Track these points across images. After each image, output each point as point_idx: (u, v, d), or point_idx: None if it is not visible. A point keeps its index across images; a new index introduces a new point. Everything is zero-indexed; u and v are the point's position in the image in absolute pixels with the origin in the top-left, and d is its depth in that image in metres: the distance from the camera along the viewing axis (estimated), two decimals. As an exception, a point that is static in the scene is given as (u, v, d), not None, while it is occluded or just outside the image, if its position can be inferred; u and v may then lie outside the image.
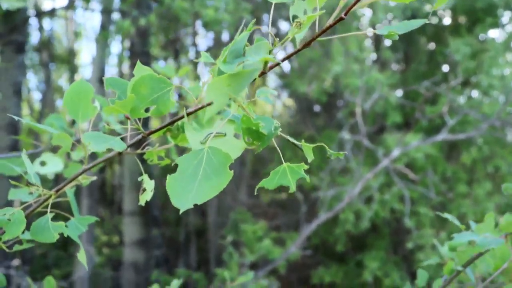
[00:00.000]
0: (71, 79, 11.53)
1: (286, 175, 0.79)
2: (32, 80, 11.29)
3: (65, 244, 9.69)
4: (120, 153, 0.85)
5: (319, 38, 0.79)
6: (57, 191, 0.89)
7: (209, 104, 0.76)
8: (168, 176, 0.69)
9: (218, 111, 0.75)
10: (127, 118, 0.80)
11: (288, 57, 0.79)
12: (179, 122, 0.87)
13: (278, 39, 0.79)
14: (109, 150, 0.85)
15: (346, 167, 7.71)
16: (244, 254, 6.79)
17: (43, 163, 1.06)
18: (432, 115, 7.62)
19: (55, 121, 1.04)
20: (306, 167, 0.80)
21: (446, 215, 1.17)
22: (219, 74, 0.75)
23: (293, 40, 0.80)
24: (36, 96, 12.29)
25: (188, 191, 0.68)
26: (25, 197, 0.94)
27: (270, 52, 0.77)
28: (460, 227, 1.16)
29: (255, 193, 0.77)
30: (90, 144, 0.73)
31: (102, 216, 10.08)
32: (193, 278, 7.88)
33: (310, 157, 0.81)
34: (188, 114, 0.80)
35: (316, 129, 8.66)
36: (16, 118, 0.84)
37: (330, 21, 0.77)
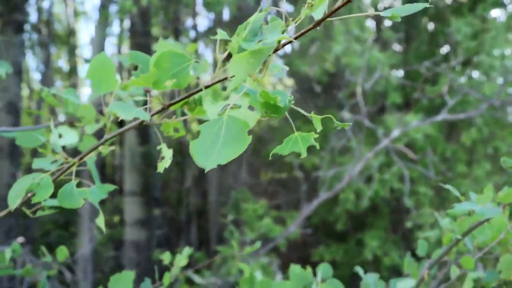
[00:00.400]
0: (71, 60, 11.52)
1: (297, 143, 0.87)
2: (31, 60, 11.28)
3: (67, 224, 9.78)
4: (141, 123, 0.90)
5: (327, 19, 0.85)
6: (80, 159, 0.94)
7: (228, 78, 0.83)
8: (191, 142, 0.75)
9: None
10: (147, 91, 0.85)
11: (300, 35, 0.85)
12: (196, 96, 0.92)
13: (291, 18, 0.85)
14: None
15: (347, 146, 7.75)
16: (244, 232, 6.85)
17: (59, 136, 1.10)
18: (432, 95, 7.65)
19: (70, 95, 1.08)
20: (316, 135, 0.86)
21: (447, 186, 1.22)
22: (239, 51, 0.81)
23: (297, 22, 0.86)
24: (36, 76, 12.28)
25: (210, 154, 0.75)
26: (48, 166, 0.99)
27: (283, 31, 0.84)
28: (460, 198, 1.21)
29: (270, 158, 0.83)
30: (118, 113, 0.78)
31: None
32: (194, 257, 7.97)
33: (319, 127, 0.88)
34: (206, 87, 0.86)
35: (317, 109, 8.69)
36: (46, 88, 0.88)
37: (339, 2, 0.82)
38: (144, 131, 7.95)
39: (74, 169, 0.94)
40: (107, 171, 11.51)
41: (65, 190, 0.92)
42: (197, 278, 6.14)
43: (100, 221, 1.01)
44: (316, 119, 0.88)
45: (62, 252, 1.52)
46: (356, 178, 7.13)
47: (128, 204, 7.98)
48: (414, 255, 1.59)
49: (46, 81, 10.35)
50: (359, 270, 1.56)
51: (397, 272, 7.03)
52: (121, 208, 9.16)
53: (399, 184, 7.19)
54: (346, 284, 1.67)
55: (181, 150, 10.22)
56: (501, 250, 1.25)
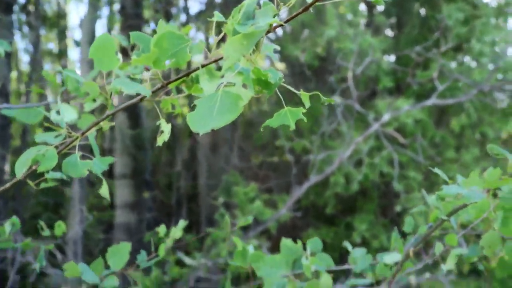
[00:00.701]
0: (61, 42, 11.45)
1: (287, 116, 0.94)
2: (20, 42, 11.19)
3: (56, 207, 9.78)
4: (141, 99, 0.95)
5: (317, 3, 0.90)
6: (83, 133, 0.98)
7: (222, 58, 0.88)
8: (188, 113, 0.81)
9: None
10: (147, 69, 0.90)
11: (290, 19, 0.90)
12: (193, 74, 0.97)
13: (282, 3, 0.90)
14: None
15: (337, 131, 7.81)
16: (235, 215, 6.91)
17: (58, 113, 1.14)
18: (423, 80, 7.70)
19: (70, 74, 1.12)
20: (304, 110, 0.95)
21: (436, 170, 1.27)
22: (234, 33, 0.87)
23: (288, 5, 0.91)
24: (24, 58, 12.19)
25: (205, 122, 0.83)
26: (51, 140, 1.03)
27: (275, 15, 0.89)
28: (448, 181, 1.26)
29: (261, 130, 0.89)
30: (122, 88, 0.83)
31: (92, 179, 10.16)
32: (184, 240, 8.01)
33: (307, 104, 0.95)
34: (202, 66, 0.91)
35: (308, 93, 8.71)
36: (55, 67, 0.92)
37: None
38: (135, 114, 7.96)
39: (77, 143, 0.98)
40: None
41: (69, 160, 0.98)
42: (188, 260, 6.21)
43: (104, 190, 1.06)
44: (305, 96, 0.95)
45: (60, 227, 1.56)
46: (346, 162, 7.19)
47: (118, 187, 8.01)
48: (402, 233, 1.65)
49: (35, 63, 10.29)
50: (347, 245, 1.62)
51: (385, 254, 7.09)
52: (111, 191, 9.18)
53: (388, 168, 7.26)
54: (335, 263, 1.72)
55: (172, 133, 10.21)
56: (484, 227, 1.30)
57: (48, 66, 11.55)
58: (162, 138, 0.99)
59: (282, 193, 8.22)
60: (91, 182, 9.73)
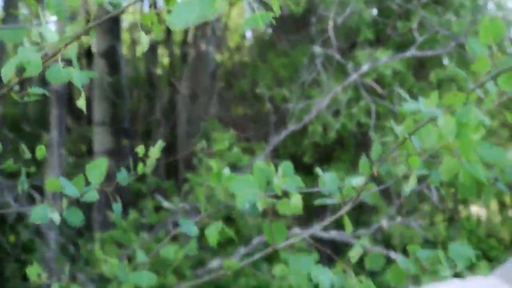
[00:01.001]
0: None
1: (258, 19, 1.00)
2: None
3: (34, 152, 9.76)
4: (121, 12, 0.99)
5: None
6: (65, 45, 1.02)
7: None
8: (168, 15, 0.86)
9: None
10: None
11: None
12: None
13: None
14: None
15: (317, 80, 7.85)
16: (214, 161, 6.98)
17: (40, 34, 1.18)
18: (403, 31, 7.73)
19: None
20: (273, 15, 1.01)
21: (400, 91, 1.34)
22: None
23: None
24: None
25: (185, 19, 0.88)
26: (33, 54, 1.06)
27: None
28: (410, 101, 1.33)
29: (244, 34, 0.95)
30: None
31: (69, 126, 10.11)
32: (162, 187, 8.12)
33: (278, 12, 1.00)
34: None
35: (289, 43, 8.72)
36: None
37: None
38: (113, 60, 7.88)
39: (59, 55, 1.02)
40: (75, 102, 11.38)
41: (52, 69, 1.02)
42: (166, 204, 6.31)
43: (81, 102, 1.10)
44: (274, 2, 1.00)
45: (41, 150, 1.61)
46: (324, 112, 7.25)
47: (97, 134, 8.00)
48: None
49: (10, 5, 10.06)
50: (318, 170, 1.69)
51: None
52: (88, 138, 9.17)
53: (366, 119, 7.35)
54: (311, 213, 1.81)
55: (150, 81, 10.19)
56: (446, 153, 1.37)
57: (24, 11, 11.32)
58: (141, 49, 1.04)
59: (261, 142, 8.30)
60: (68, 129, 9.69)
